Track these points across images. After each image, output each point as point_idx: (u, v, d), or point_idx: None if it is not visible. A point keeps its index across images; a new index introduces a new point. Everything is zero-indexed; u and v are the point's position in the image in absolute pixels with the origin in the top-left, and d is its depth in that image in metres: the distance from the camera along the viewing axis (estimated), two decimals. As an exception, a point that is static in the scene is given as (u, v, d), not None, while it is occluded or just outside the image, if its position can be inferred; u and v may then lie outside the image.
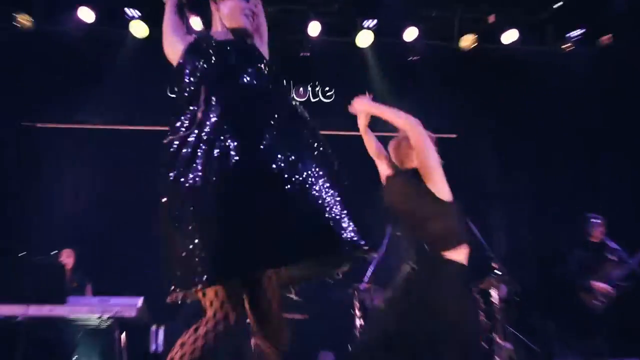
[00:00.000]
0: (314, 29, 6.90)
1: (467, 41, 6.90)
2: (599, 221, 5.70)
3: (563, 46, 6.95)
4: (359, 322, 5.55)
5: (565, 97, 7.04)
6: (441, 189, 3.01)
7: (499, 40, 6.95)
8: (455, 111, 7.54)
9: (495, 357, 4.89)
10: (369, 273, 5.51)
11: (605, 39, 6.86)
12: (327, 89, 7.78)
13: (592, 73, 6.94)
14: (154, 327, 1.49)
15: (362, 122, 3.59)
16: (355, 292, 5.57)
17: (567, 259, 5.86)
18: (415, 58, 7.22)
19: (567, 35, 6.90)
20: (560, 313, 6.00)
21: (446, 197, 3.01)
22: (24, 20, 6.52)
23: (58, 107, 7.52)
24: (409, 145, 3.20)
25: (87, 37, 6.97)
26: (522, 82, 7.24)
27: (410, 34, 6.95)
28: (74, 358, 5.63)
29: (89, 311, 4.92)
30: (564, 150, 7.16)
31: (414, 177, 3.11)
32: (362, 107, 3.44)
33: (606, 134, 7.08)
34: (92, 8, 6.68)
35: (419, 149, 3.06)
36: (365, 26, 6.93)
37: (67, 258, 6.00)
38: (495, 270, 5.13)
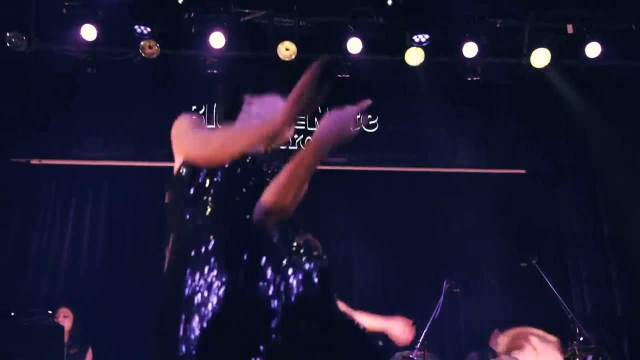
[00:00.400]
0: (355, 45, 6.98)
1: (540, 56, 6.84)
2: None
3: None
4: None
5: None
6: None
7: (580, 54, 6.84)
8: (523, 143, 7.56)
9: None
10: (421, 338, 5.48)
11: None
12: (370, 117, 7.83)
13: None
14: None
15: None
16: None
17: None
18: (475, 78, 7.21)
19: None
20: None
21: None
22: (17, 41, 6.71)
23: (56, 140, 7.77)
24: None
25: (90, 58, 7.16)
26: (609, 106, 7.15)
27: (470, 49, 6.94)
28: None
29: None
30: None
31: None
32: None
33: None
34: (96, 25, 6.81)
35: None
36: (416, 42, 6.96)
37: (65, 318, 6.09)
38: (579, 337, 5.15)
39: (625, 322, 7.04)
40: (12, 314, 5.38)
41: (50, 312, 5.82)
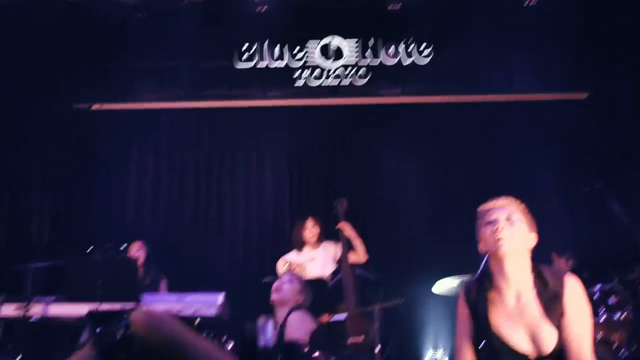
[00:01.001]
0: None
1: None
2: None
3: None
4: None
5: None
6: None
7: None
8: (584, 65, 7.47)
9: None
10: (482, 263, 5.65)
11: None
12: (423, 46, 7.89)
13: None
14: (262, 320, 1.67)
15: None
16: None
17: None
18: (531, 3, 7.22)
19: None
20: None
21: None
22: None
23: (114, 85, 7.98)
24: None
25: (140, 3, 7.36)
26: None
27: None
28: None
29: (165, 308, 5.30)
30: None
31: None
32: None
33: None
34: None
35: None
36: None
37: (138, 251, 6.35)
38: None
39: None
40: (88, 250, 5.47)
41: (123, 246, 5.95)
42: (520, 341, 2.65)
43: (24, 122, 7.71)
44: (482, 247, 2.91)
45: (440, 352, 6.61)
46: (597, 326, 5.22)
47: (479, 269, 3.17)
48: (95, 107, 7.90)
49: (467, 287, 3.02)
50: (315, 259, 6.02)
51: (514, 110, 7.65)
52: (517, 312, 2.73)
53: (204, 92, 7.93)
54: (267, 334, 1.55)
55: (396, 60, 7.90)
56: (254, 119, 7.83)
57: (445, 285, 5.89)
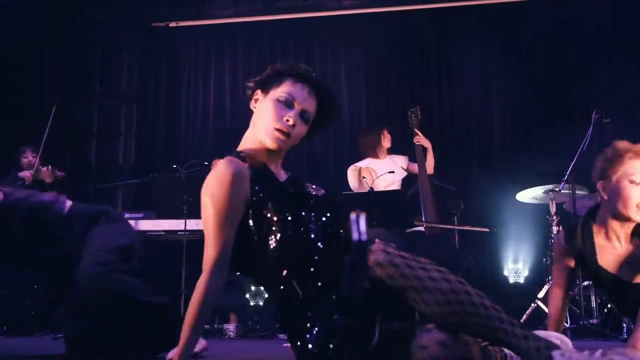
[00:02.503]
0: None
1: None
2: None
3: None
4: (554, 228, 5.83)
5: None
6: None
7: None
8: None
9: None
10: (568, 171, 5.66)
11: None
12: None
13: None
14: (353, 215, 1.84)
15: None
16: (552, 195, 5.76)
17: None
18: None
19: None
20: None
21: None
22: None
23: (189, 2, 8.12)
24: None
25: None
26: None
27: None
28: (237, 273, 6.49)
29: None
30: None
31: None
32: None
33: None
34: None
35: None
36: None
37: None
38: None
39: None
40: (175, 166, 5.81)
41: (205, 163, 6.12)
42: (625, 273, 2.88)
43: (105, 41, 8.09)
44: (609, 196, 2.90)
45: (520, 264, 6.65)
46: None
47: (588, 207, 3.26)
48: (172, 24, 8.13)
49: (569, 231, 3.14)
50: (386, 169, 5.91)
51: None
52: (623, 252, 2.94)
53: (277, 3, 7.97)
54: (361, 227, 1.70)
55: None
56: (329, 30, 7.87)
57: (530, 194, 6.03)
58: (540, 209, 6.11)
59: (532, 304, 5.68)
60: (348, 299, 2.07)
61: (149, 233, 5.82)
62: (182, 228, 5.58)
